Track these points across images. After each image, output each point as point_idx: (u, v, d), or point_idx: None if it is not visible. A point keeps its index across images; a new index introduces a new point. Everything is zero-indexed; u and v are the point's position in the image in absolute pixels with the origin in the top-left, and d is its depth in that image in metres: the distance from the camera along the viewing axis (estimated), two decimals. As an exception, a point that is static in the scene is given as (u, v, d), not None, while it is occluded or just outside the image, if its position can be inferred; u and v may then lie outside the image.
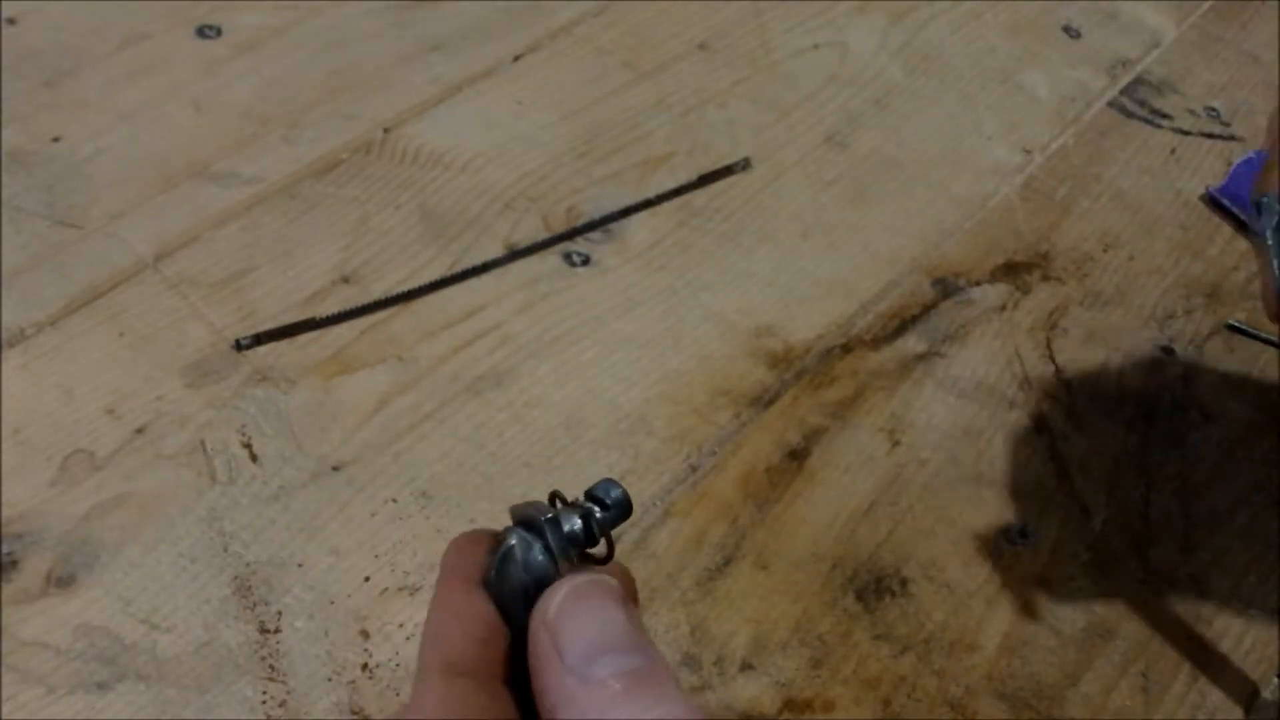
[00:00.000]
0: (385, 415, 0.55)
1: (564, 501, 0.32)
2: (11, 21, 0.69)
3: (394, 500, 0.52)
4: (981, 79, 0.76)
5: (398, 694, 0.46)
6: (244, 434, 0.53)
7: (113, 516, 0.50)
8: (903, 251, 0.66)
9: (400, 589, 0.49)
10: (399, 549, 0.51)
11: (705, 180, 0.67)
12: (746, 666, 0.49)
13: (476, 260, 0.61)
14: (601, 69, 0.72)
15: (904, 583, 0.52)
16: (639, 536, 0.52)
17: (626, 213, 0.65)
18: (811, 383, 0.59)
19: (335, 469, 0.53)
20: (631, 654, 0.28)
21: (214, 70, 0.68)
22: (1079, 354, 0.62)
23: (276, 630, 0.48)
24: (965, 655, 0.50)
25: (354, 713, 0.46)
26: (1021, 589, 0.53)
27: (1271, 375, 0.63)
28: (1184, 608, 0.53)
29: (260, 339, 0.56)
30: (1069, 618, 0.52)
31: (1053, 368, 0.61)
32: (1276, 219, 0.46)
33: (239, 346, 0.56)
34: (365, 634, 0.48)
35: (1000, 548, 0.54)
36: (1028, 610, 0.52)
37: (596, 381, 0.58)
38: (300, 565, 0.50)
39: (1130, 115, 0.76)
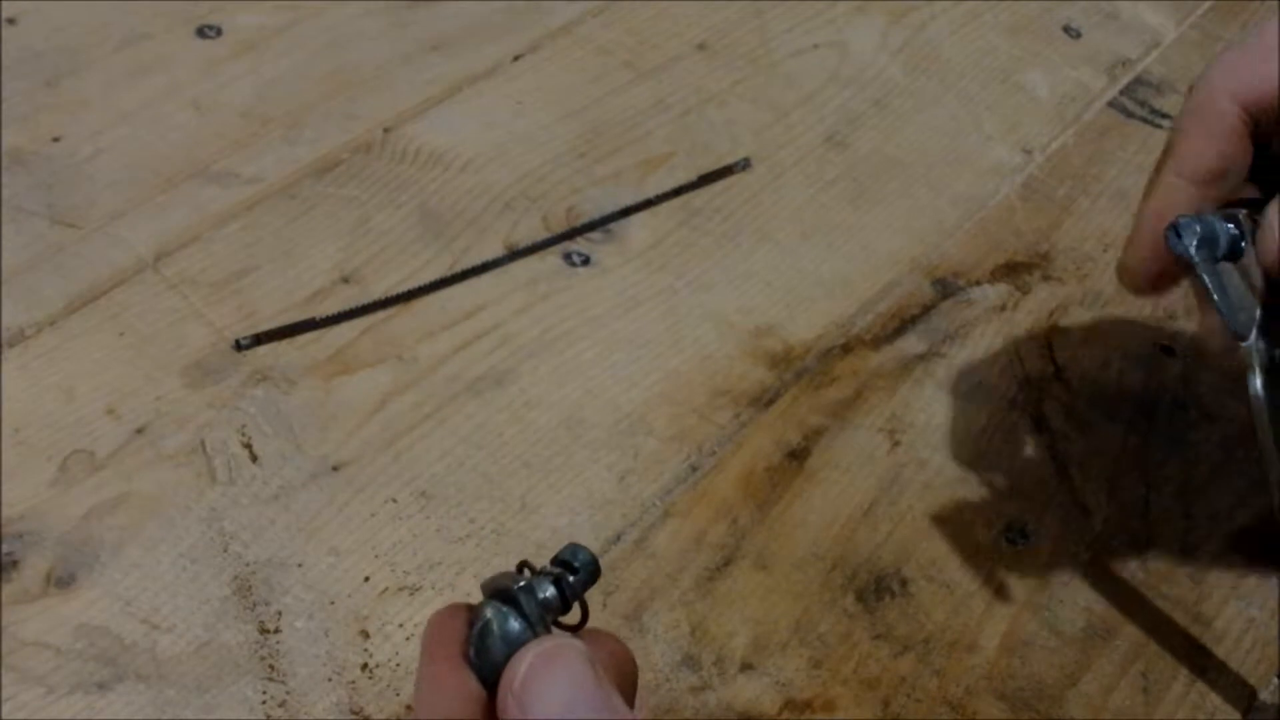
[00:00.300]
0: (385, 415, 0.55)
1: (533, 570, 0.32)
2: (11, 21, 0.69)
3: (394, 500, 0.52)
4: (981, 79, 0.76)
5: (398, 694, 0.47)
6: (244, 434, 0.53)
7: (113, 516, 0.50)
8: (903, 251, 0.66)
9: (400, 589, 0.49)
10: (399, 549, 0.51)
11: (705, 180, 0.67)
12: (746, 666, 0.49)
13: (476, 260, 0.61)
14: (601, 69, 0.72)
15: (904, 583, 0.52)
16: (639, 536, 0.52)
17: (626, 213, 0.65)
18: (811, 383, 0.59)
19: (335, 469, 0.53)
20: (600, 714, 0.28)
21: (214, 70, 0.68)
22: (1079, 354, 0.62)
23: (276, 630, 0.48)
24: (965, 655, 0.50)
25: (354, 713, 0.46)
26: (1021, 589, 0.53)
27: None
28: (1184, 608, 0.53)
29: (260, 339, 0.56)
30: (1069, 618, 0.52)
31: (1053, 368, 0.61)
32: (1197, 237, 0.45)
33: (239, 346, 0.56)
34: (365, 634, 0.48)
35: (1000, 548, 0.54)
36: (1028, 610, 0.52)
37: (596, 381, 0.58)
38: (300, 565, 0.50)
39: (1130, 115, 0.76)
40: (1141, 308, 0.65)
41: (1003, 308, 0.64)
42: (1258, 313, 0.45)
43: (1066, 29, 0.81)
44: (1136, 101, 0.77)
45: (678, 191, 0.66)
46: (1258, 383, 0.45)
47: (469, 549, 0.51)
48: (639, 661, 0.48)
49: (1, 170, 0.61)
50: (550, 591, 0.31)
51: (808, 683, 0.49)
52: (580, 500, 0.53)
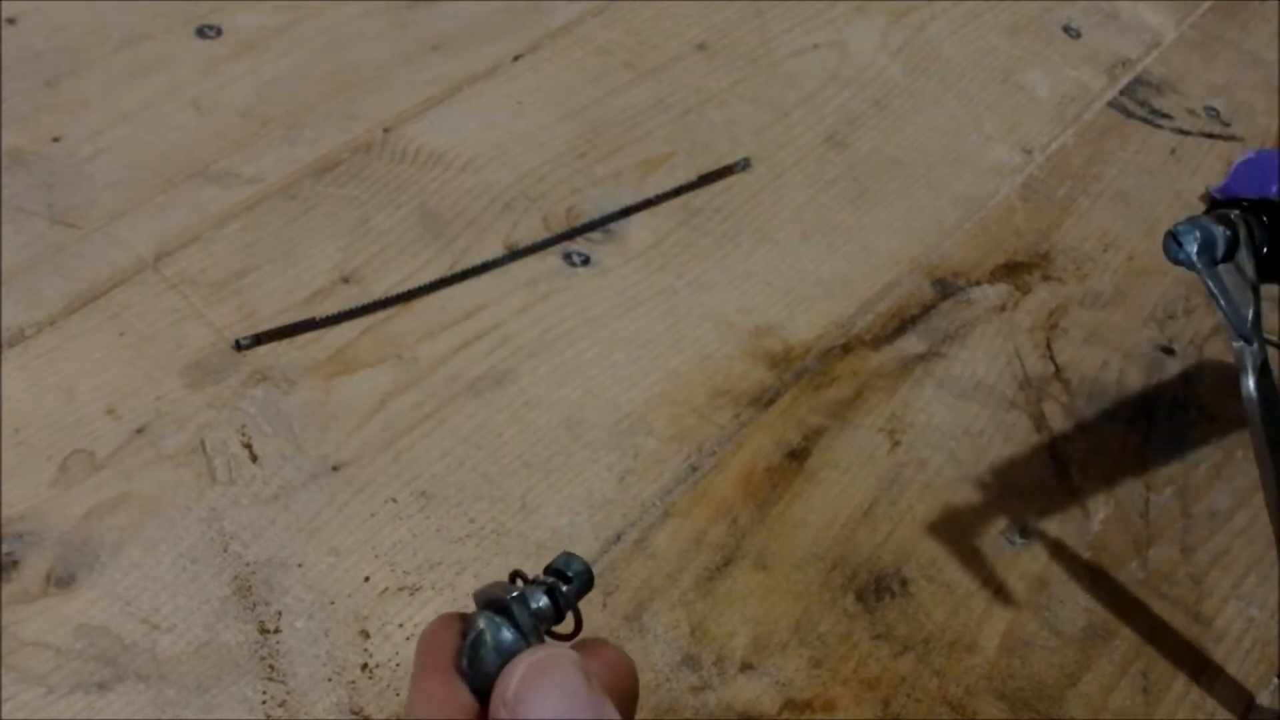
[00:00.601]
0: (385, 415, 0.55)
1: (526, 579, 0.32)
2: (11, 21, 0.69)
3: (394, 500, 0.52)
4: (981, 79, 0.76)
5: (398, 694, 0.46)
6: (244, 434, 0.53)
7: (113, 516, 0.50)
8: (903, 251, 0.66)
9: (400, 589, 0.49)
10: (399, 549, 0.51)
11: (705, 180, 0.67)
12: (746, 666, 0.49)
13: (476, 260, 0.61)
14: (601, 69, 0.72)
15: (904, 583, 0.52)
16: (639, 536, 0.52)
17: (626, 213, 0.65)
18: (811, 383, 0.59)
19: (335, 469, 0.53)
20: None
21: (214, 70, 0.68)
22: (1079, 354, 0.62)
23: (276, 630, 0.48)
24: (965, 655, 0.50)
25: (354, 713, 0.46)
26: (1021, 589, 0.53)
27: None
28: (1184, 608, 0.53)
29: (260, 339, 0.56)
30: (1069, 618, 0.52)
31: (1053, 368, 0.61)
32: (1197, 243, 0.45)
33: (239, 346, 0.56)
34: (365, 634, 0.48)
35: (1000, 548, 0.54)
36: (1028, 610, 0.52)
37: (596, 381, 0.58)
38: (300, 565, 0.50)
39: (1130, 115, 0.76)
40: (1141, 308, 0.65)
41: (1003, 308, 0.64)
42: (1250, 313, 0.45)
43: (1066, 29, 0.81)
44: (1136, 101, 0.77)
45: (678, 191, 0.66)
46: (1251, 384, 0.45)
47: (469, 549, 0.51)
48: (639, 661, 0.48)
49: (1, 170, 0.61)
50: (543, 601, 0.31)
51: (808, 683, 0.49)
52: (580, 500, 0.53)
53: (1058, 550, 0.54)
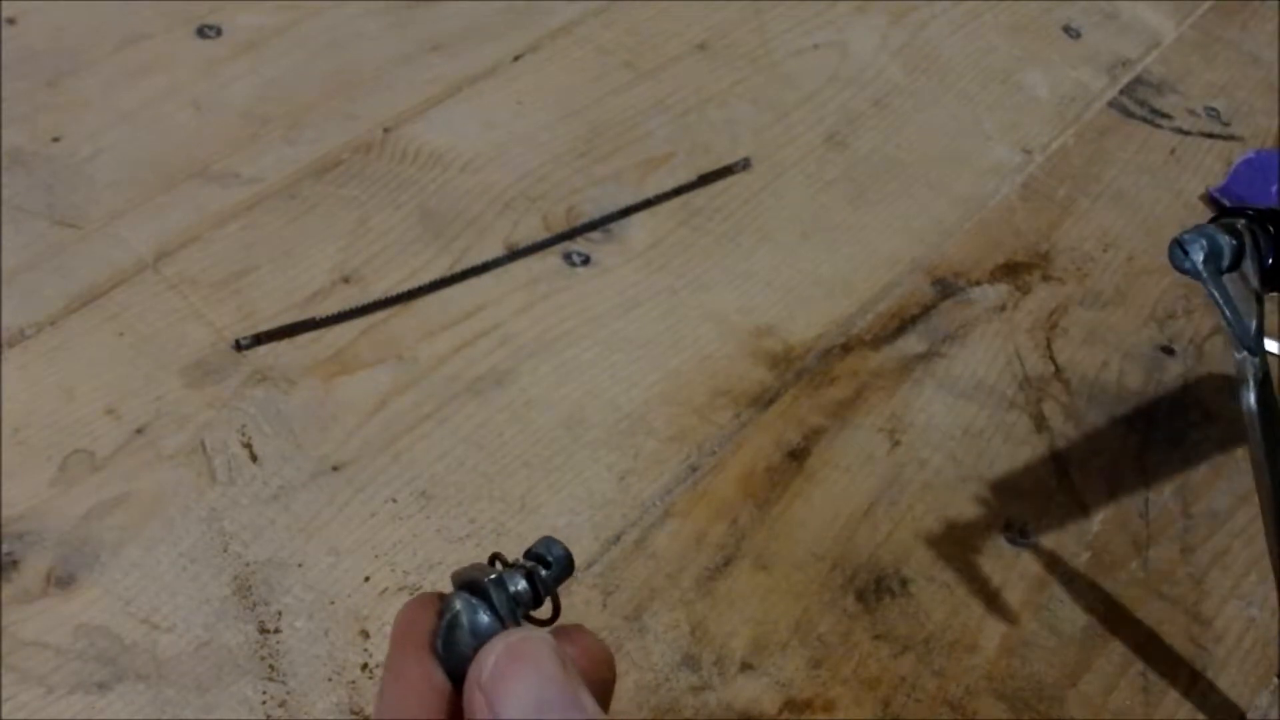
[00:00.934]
0: (385, 415, 0.55)
1: (505, 563, 0.32)
2: (11, 21, 0.69)
3: (394, 500, 0.52)
4: (981, 79, 0.76)
5: (398, 694, 0.46)
6: (244, 434, 0.53)
7: (113, 516, 0.50)
8: (903, 251, 0.66)
9: (400, 589, 0.49)
10: (399, 549, 0.51)
11: (705, 180, 0.67)
12: (746, 666, 0.49)
13: (476, 260, 0.61)
14: (601, 69, 0.72)
15: (904, 583, 0.52)
16: (639, 536, 0.52)
17: (626, 213, 0.65)
18: (811, 383, 0.59)
19: (335, 469, 0.53)
20: (568, 710, 0.28)
21: (214, 70, 0.68)
22: (1079, 354, 0.62)
23: (276, 630, 0.48)
24: (965, 655, 0.50)
25: (354, 713, 0.46)
26: (1021, 589, 0.53)
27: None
28: (1184, 608, 0.53)
29: (260, 339, 0.56)
30: (1069, 618, 0.52)
31: (1053, 368, 0.61)
32: (1203, 252, 0.45)
33: (239, 346, 0.56)
34: (365, 634, 0.48)
35: (1000, 548, 0.54)
36: (1028, 610, 0.52)
37: (596, 381, 0.58)
38: (300, 565, 0.50)
39: (1130, 115, 0.76)
40: (1141, 308, 0.65)
41: (1003, 308, 0.64)
42: (1254, 323, 0.45)
43: (1066, 29, 0.81)
44: (1136, 101, 0.77)
45: (678, 191, 0.66)
46: (1251, 397, 0.45)
47: (469, 549, 0.51)
48: (639, 661, 0.48)
49: (1, 170, 0.61)
50: (521, 585, 0.31)
51: (808, 683, 0.49)
52: (580, 500, 0.53)
53: (1058, 550, 0.54)
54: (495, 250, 0.62)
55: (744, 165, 0.68)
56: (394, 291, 0.59)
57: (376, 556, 0.50)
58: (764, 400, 0.58)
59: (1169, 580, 0.54)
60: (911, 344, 0.61)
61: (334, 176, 0.64)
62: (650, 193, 0.66)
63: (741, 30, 0.77)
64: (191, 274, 0.59)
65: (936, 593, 0.52)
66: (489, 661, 0.29)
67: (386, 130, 0.67)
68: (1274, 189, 0.70)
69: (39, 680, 0.45)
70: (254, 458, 0.53)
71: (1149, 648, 0.52)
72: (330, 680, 0.46)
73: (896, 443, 0.57)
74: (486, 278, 0.61)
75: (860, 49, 0.77)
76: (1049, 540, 0.54)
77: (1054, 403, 0.60)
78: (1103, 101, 0.76)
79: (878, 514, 0.55)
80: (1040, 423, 0.59)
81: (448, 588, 0.31)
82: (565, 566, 0.32)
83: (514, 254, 0.62)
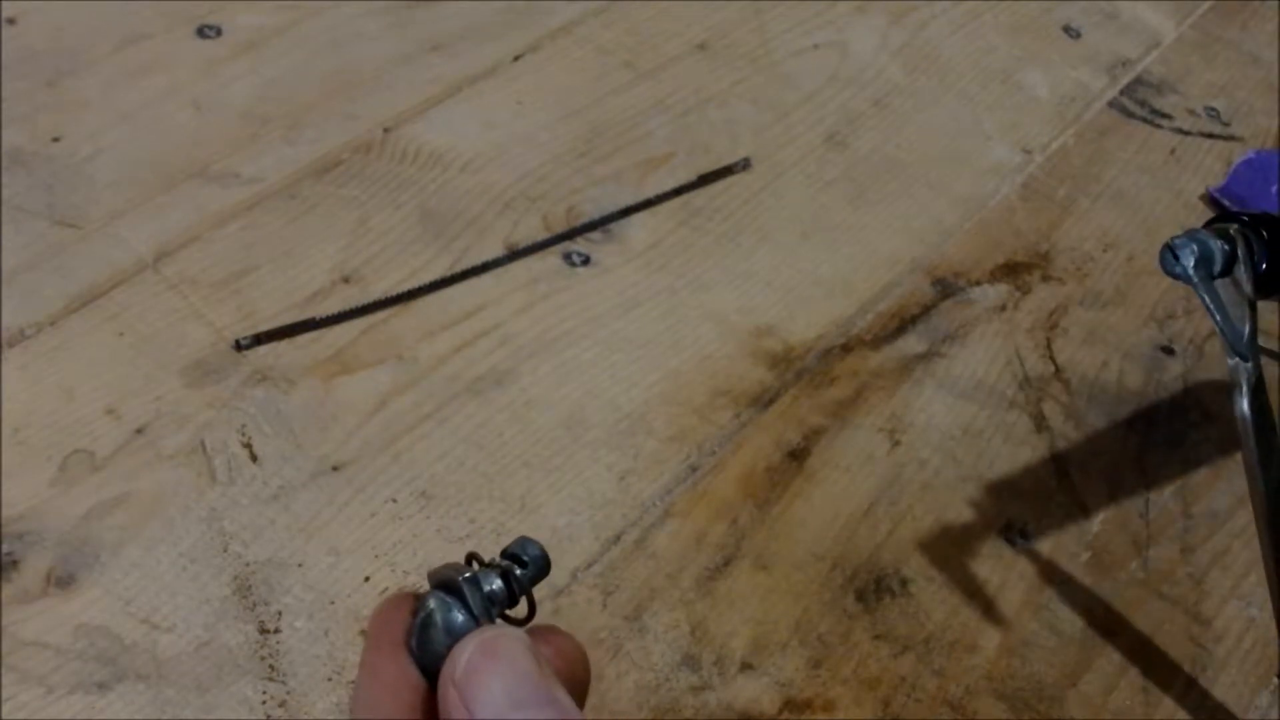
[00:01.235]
0: (385, 415, 0.55)
1: (481, 562, 0.32)
2: (11, 21, 0.69)
3: (394, 500, 0.52)
4: (981, 79, 0.76)
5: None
6: (244, 434, 0.53)
7: (113, 516, 0.50)
8: (903, 251, 0.66)
9: (400, 589, 0.49)
10: (399, 549, 0.51)
11: (705, 180, 0.67)
12: (746, 666, 0.49)
13: (476, 260, 0.61)
14: (601, 69, 0.72)
15: (904, 583, 0.52)
16: (639, 536, 0.52)
17: (626, 213, 0.65)
18: (811, 383, 0.59)
19: (335, 469, 0.53)
20: (543, 707, 0.28)
21: (214, 70, 0.68)
22: (1079, 354, 0.62)
23: (276, 630, 0.48)
24: (965, 655, 0.50)
25: (354, 713, 0.46)
26: (1021, 589, 0.53)
27: (1271, 375, 0.63)
28: (1184, 608, 0.53)
29: (260, 339, 0.56)
30: (1069, 618, 0.52)
31: (1053, 368, 0.61)
32: (1194, 257, 0.45)
33: (239, 346, 0.56)
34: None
35: (1000, 548, 0.54)
36: (1028, 610, 0.52)
37: (596, 381, 0.58)
38: (300, 565, 0.50)
39: (1130, 115, 0.76)
40: (1141, 308, 0.65)
41: (1003, 308, 0.64)
42: (1247, 329, 0.45)
43: (1066, 29, 0.81)
44: (1136, 101, 0.77)
45: (678, 191, 0.66)
46: (1244, 403, 0.45)
47: (469, 549, 0.51)
48: (639, 661, 0.48)
49: (1, 170, 0.61)
50: (497, 584, 0.31)
51: (808, 683, 0.49)
52: (580, 500, 0.53)
53: (1058, 550, 0.54)
54: (495, 250, 0.62)
55: (744, 165, 0.68)
56: (394, 291, 0.59)
57: (376, 556, 0.50)
58: (764, 400, 0.58)
59: (1169, 580, 0.54)
60: (911, 344, 0.61)
61: (334, 176, 0.64)
62: (650, 193, 0.66)
63: (741, 30, 0.77)
64: (191, 274, 0.59)
65: (936, 593, 0.52)
66: (463, 658, 0.29)
67: (386, 130, 0.67)
68: (1274, 189, 0.70)
69: (39, 680, 0.45)
70: (254, 458, 0.53)
71: (1149, 648, 0.52)
72: (330, 680, 0.46)
73: (896, 443, 0.57)
74: (486, 278, 0.61)
75: (860, 49, 0.77)
76: (1049, 540, 0.54)
77: (1054, 403, 0.60)
78: (1103, 101, 0.76)
79: (878, 514, 0.55)
80: (1040, 423, 0.59)
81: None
82: (541, 566, 0.32)
83: (514, 254, 0.62)
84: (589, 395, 0.57)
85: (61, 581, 0.48)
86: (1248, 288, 0.45)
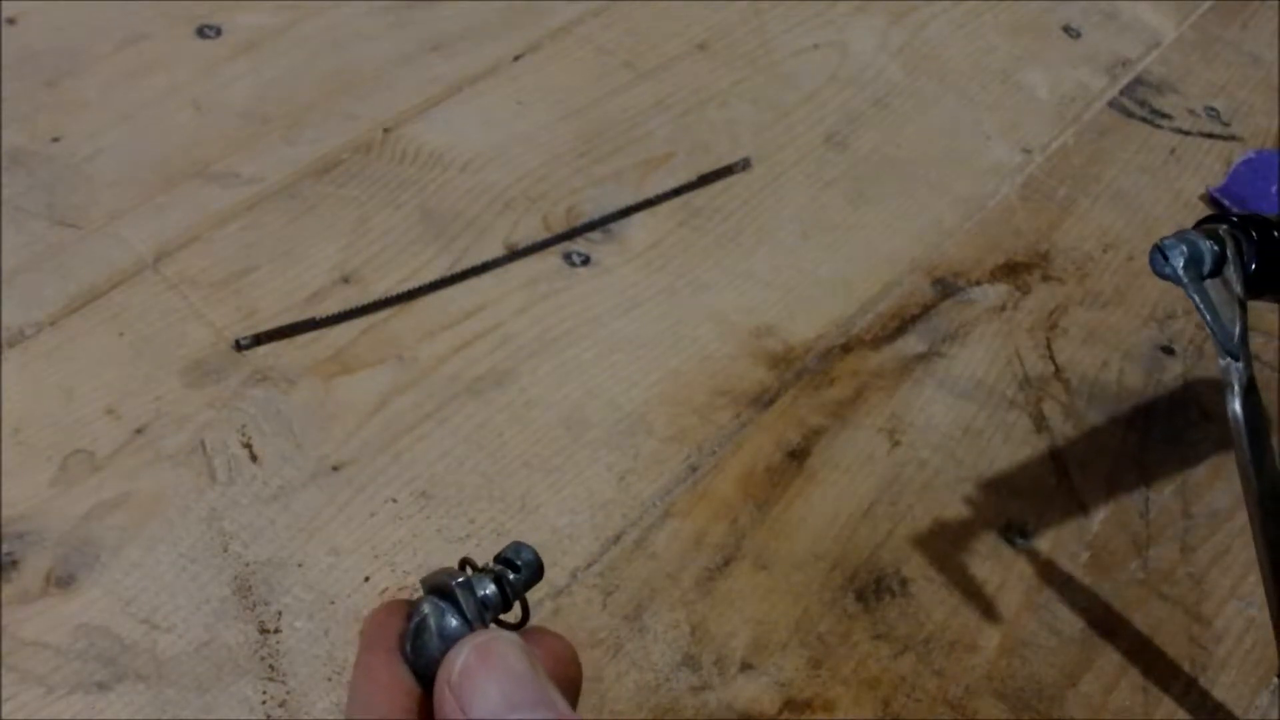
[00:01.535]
0: (385, 415, 0.55)
1: (475, 567, 0.32)
2: (11, 21, 0.69)
3: (394, 500, 0.52)
4: (981, 79, 0.76)
5: (398, 694, 0.46)
6: (244, 434, 0.53)
7: (113, 516, 0.50)
8: (903, 251, 0.66)
9: (400, 589, 0.49)
10: (399, 549, 0.51)
11: (705, 180, 0.67)
12: (746, 666, 0.49)
13: (476, 260, 0.61)
14: (601, 69, 0.72)
15: (904, 583, 0.52)
16: (639, 536, 0.52)
17: (626, 213, 0.65)
18: (811, 383, 0.59)
19: (335, 469, 0.53)
20: (539, 709, 0.28)
21: (214, 70, 0.68)
22: (1079, 354, 0.62)
23: (276, 630, 0.48)
24: (965, 655, 0.50)
25: (354, 713, 0.46)
26: (1021, 589, 0.53)
27: (1271, 375, 0.63)
28: (1184, 608, 0.53)
29: (260, 339, 0.56)
30: (1069, 618, 0.52)
31: (1053, 368, 0.61)
32: (1183, 258, 0.45)
33: (239, 346, 0.56)
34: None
35: (1000, 547, 0.54)
36: (1028, 610, 0.52)
37: (596, 381, 0.58)
38: (300, 565, 0.50)
39: (1130, 115, 0.76)
40: (1141, 307, 0.65)
41: (1003, 308, 0.64)
42: (1238, 329, 0.45)
43: (1066, 29, 0.81)
44: (1136, 101, 0.77)
45: (678, 191, 0.66)
46: (1236, 404, 0.45)
47: (469, 549, 0.51)
48: (639, 661, 0.48)
49: (1, 170, 0.61)
50: (490, 589, 0.31)
51: (808, 683, 0.49)
52: (580, 500, 0.53)
53: (1057, 550, 0.54)
54: (495, 250, 0.62)
55: (744, 165, 0.68)
56: (394, 291, 0.59)
57: (376, 556, 0.50)
58: (764, 400, 0.58)
59: (1169, 580, 0.54)
60: (911, 344, 0.61)
61: (334, 176, 0.64)
62: (650, 193, 0.66)
63: (741, 30, 0.77)
64: (191, 274, 0.59)
65: (936, 593, 0.52)
66: (458, 662, 0.29)
67: (386, 130, 0.67)
68: (1274, 189, 0.70)
69: (39, 680, 0.45)
70: (254, 458, 0.53)
71: (1149, 648, 0.52)
72: (330, 680, 0.46)
73: (896, 443, 0.57)
74: (486, 278, 0.61)
75: (860, 49, 0.77)
76: (1049, 540, 0.54)
77: (1054, 403, 0.60)
78: (1103, 101, 0.76)
79: (877, 514, 0.55)
80: (1040, 423, 0.59)
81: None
82: (534, 571, 0.32)
83: (514, 254, 0.62)
84: (589, 395, 0.57)
85: (61, 581, 0.48)
86: (1238, 288, 0.45)
